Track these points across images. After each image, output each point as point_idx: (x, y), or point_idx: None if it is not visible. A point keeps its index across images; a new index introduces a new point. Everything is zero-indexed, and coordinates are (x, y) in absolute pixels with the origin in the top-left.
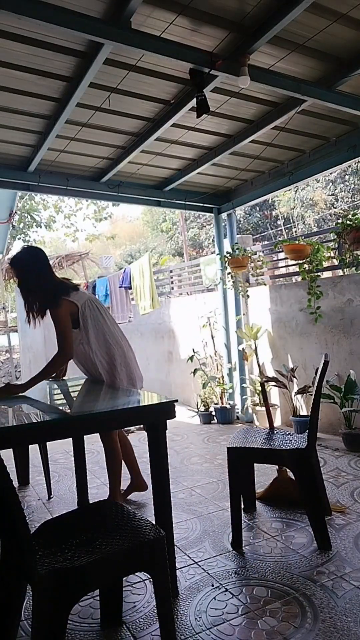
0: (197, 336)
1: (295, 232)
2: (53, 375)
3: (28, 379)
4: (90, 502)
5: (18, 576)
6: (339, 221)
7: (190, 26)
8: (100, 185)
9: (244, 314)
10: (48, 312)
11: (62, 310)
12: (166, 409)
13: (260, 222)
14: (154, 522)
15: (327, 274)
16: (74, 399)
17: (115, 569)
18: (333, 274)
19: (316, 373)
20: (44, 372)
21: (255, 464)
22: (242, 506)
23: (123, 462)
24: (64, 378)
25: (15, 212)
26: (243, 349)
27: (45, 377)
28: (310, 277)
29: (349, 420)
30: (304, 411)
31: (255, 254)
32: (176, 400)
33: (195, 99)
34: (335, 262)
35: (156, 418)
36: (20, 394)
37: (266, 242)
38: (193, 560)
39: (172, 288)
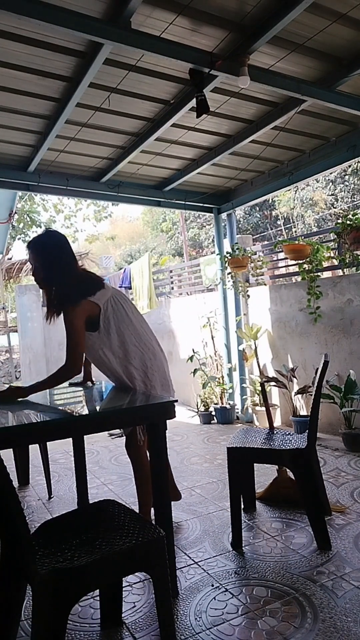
0: (197, 336)
1: (295, 232)
2: (76, 382)
3: (31, 382)
4: (90, 502)
5: (18, 576)
6: (339, 221)
7: (190, 26)
8: (100, 185)
9: (244, 314)
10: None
11: (78, 312)
12: (166, 409)
13: (260, 222)
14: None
15: (327, 274)
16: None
17: (115, 569)
18: (333, 274)
19: (316, 373)
20: (45, 383)
21: (255, 464)
22: (242, 506)
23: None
24: (93, 382)
25: (15, 212)
26: (243, 349)
27: (44, 389)
28: (310, 277)
29: (348, 420)
30: (304, 411)
31: (255, 254)
32: (176, 400)
33: (195, 99)
34: (335, 262)
35: (156, 418)
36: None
37: (266, 242)
38: (193, 560)
39: (172, 288)
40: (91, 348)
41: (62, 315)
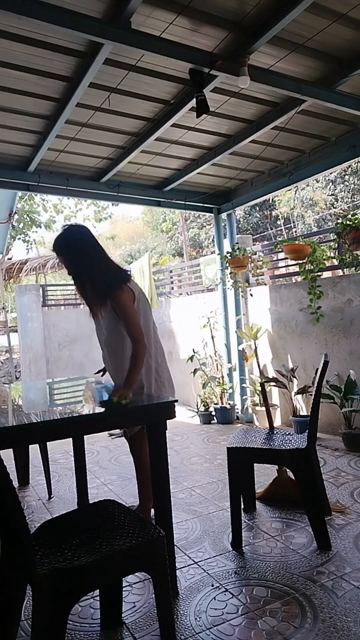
0: (197, 336)
1: (295, 232)
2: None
3: (124, 380)
4: (90, 502)
5: (18, 576)
6: (339, 221)
7: (190, 26)
8: (100, 186)
9: (244, 314)
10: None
11: (126, 296)
12: (166, 409)
13: (260, 222)
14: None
15: (327, 274)
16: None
17: (115, 569)
18: (333, 274)
19: (316, 373)
20: (136, 369)
21: (255, 464)
22: (242, 506)
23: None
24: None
25: (15, 212)
26: (243, 349)
27: (137, 376)
28: (310, 277)
29: (348, 420)
30: (304, 411)
31: (255, 254)
32: (176, 400)
33: (195, 99)
34: (335, 262)
35: (156, 418)
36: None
37: (266, 242)
38: (193, 560)
39: (172, 288)
40: (111, 336)
41: (101, 308)
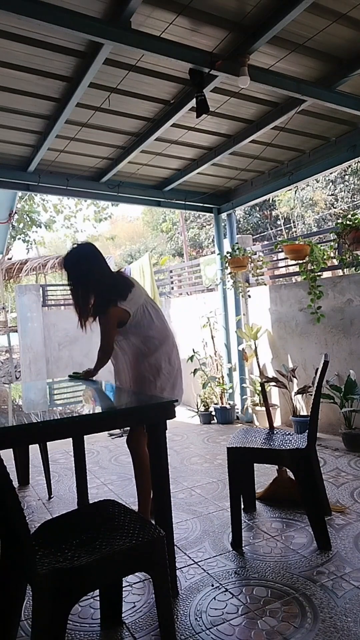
0: (197, 336)
1: (295, 232)
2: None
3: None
4: (90, 502)
5: (18, 576)
6: (339, 221)
7: (190, 26)
8: (100, 186)
9: (244, 314)
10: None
11: (111, 318)
12: (166, 409)
13: (260, 222)
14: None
15: (327, 274)
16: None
17: (115, 569)
18: (333, 274)
19: (316, 373)
20: (99, 365)
21: (255, 464)
22: (242, 506)
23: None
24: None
25: (15, 212)
26: (243, 349)
27: (102, 365)
28: (310, 277)
29: (348, 420)
30: (304, 411)
31: (255, 254)
32: (176, 400)
33: (195, 99)
34: (335, 262)
35: (156, 418)
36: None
37: (266, 242)
38: (193, 560)
39: (172, 288)
40: (123, 344)
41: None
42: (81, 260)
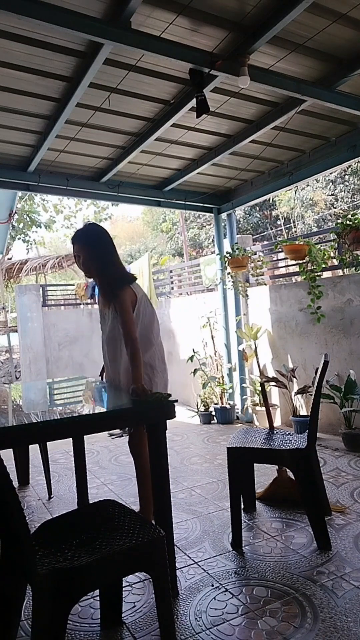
0: (197, 336)
1: (295, 232)
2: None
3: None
4: (90, 502)
5: (18, 576)
6: (339, 221)
7: (190, 26)
8: (100, 186)
9: (244, 314)
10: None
11: (127, 296)
12: (166, 409)
13: (260, 222)
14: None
15: (327, 274)
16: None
17: (115, 569)
18: (333, 274)
19: (316, 373)
20: (137, 365)
21: (255, 464)
22: (242, 506)
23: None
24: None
25: (15, 212)
26: (243, 349)
27: (141, 367)
28: (310, 277)
29: (348, 420)
30: (304, 411)
31: (255, 254)
32: (176, 400)
33: (195, 99)
34: (335, 262)
35: (156, 418)
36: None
37: (266, 242)
38: (193, 560)
39: (172, 288)
40: (112, 334)
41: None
42: (102, 236)
